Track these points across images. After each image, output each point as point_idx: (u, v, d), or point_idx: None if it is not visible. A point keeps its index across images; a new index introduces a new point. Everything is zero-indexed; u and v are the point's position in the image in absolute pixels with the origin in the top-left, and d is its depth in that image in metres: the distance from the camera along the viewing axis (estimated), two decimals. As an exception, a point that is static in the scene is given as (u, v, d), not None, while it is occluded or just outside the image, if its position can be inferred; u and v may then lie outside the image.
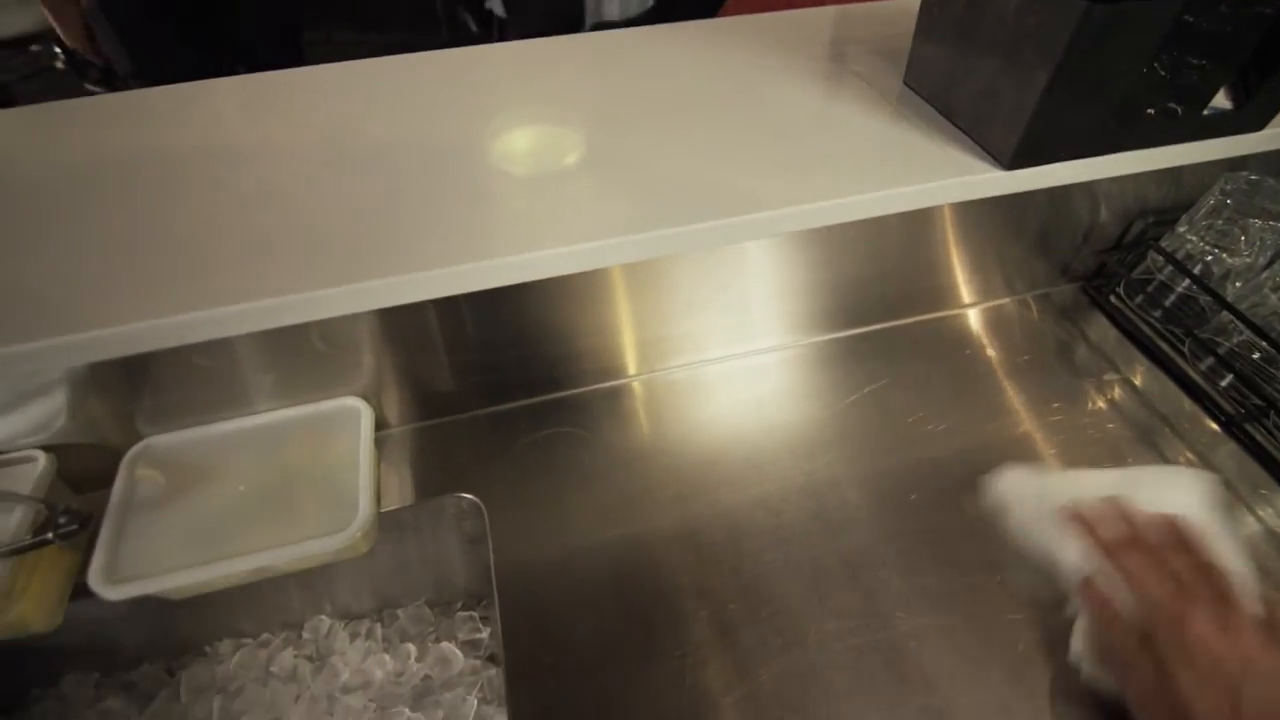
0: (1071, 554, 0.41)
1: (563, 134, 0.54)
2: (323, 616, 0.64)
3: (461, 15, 2.65)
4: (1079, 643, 0.42)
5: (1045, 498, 0.45)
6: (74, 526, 0.43)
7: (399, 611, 0.66)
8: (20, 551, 0.42)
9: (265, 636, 0.64)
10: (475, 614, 0.67)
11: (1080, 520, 0.42)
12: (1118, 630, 0.38)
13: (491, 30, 1.67)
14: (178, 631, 0.64)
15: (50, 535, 0.43)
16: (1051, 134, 0.47)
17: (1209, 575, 0.38)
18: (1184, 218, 0.65)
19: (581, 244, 0.44)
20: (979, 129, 0.50)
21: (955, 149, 0.51)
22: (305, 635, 0.64)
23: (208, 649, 0.63)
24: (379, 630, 0.65)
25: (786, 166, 0.50)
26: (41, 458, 0.48)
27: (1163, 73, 0.48)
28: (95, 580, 0.44)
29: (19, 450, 0.49)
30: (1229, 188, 0.62)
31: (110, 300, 0.41)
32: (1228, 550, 0.41)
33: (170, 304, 0.40)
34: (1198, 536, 0.40)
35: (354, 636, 0.64)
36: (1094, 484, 0.45)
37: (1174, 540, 0.40)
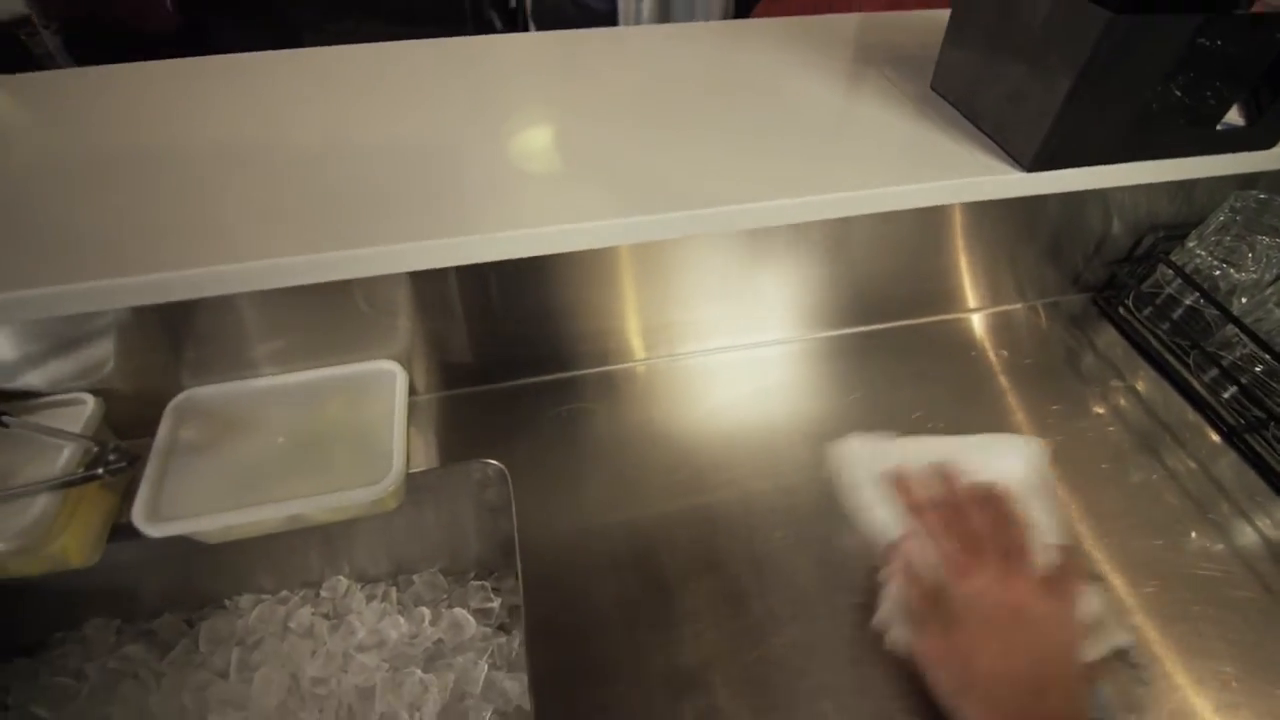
0: (886, 515, 0.44)
1: (590, 123, 0.56)
2: (340, 577, 0.66)
3: (487, 13, 2.70)
4: (885, 606, 0.44)
5: (876, 462, 0.47)
6: (123, 464, 0.45)
7: (414, 577, 0.68)
8: (70, 484, 0.44)
9: (284, 593, 0.66)
10: (487, 584, 0.69)
11: (899, 482, 0.45)
12: (915, 589, 0.40)
13: (517, 29, 1.71)
14: (198, 584, 0.65)
15: (101, 471, 0.45)
16: (1072, 140, 0.49)
17: (1005, 531, 0.40)
18: (1194, 233, 0.67)
19: (599, 221, 0.47)
20: (1002, 132, 0.52)
21: (979, 150, 0.53)
22: (323, 594, 0.65)
23: (227, 602, 0.65)
24: (394, 593, 0.67)
25: (815, 159, 0.52)
26: (90, 400, 0.50)
27: (1178, 90, 0.51)
28: (139, 517, 0.45)
29: (69, 392, 0.51)
30: (1239, 205, 0.64)
31: (170, 247, 0.43)
32: (1041, 509, 0.43)
33: (223, 253, 0.43)
34: (1008, 497, 0.43)
35: (370, 598, 0.66)
36: (929, 450, 0.47)
37: (983, 499, 0.43)
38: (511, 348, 0.62)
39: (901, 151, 0.53)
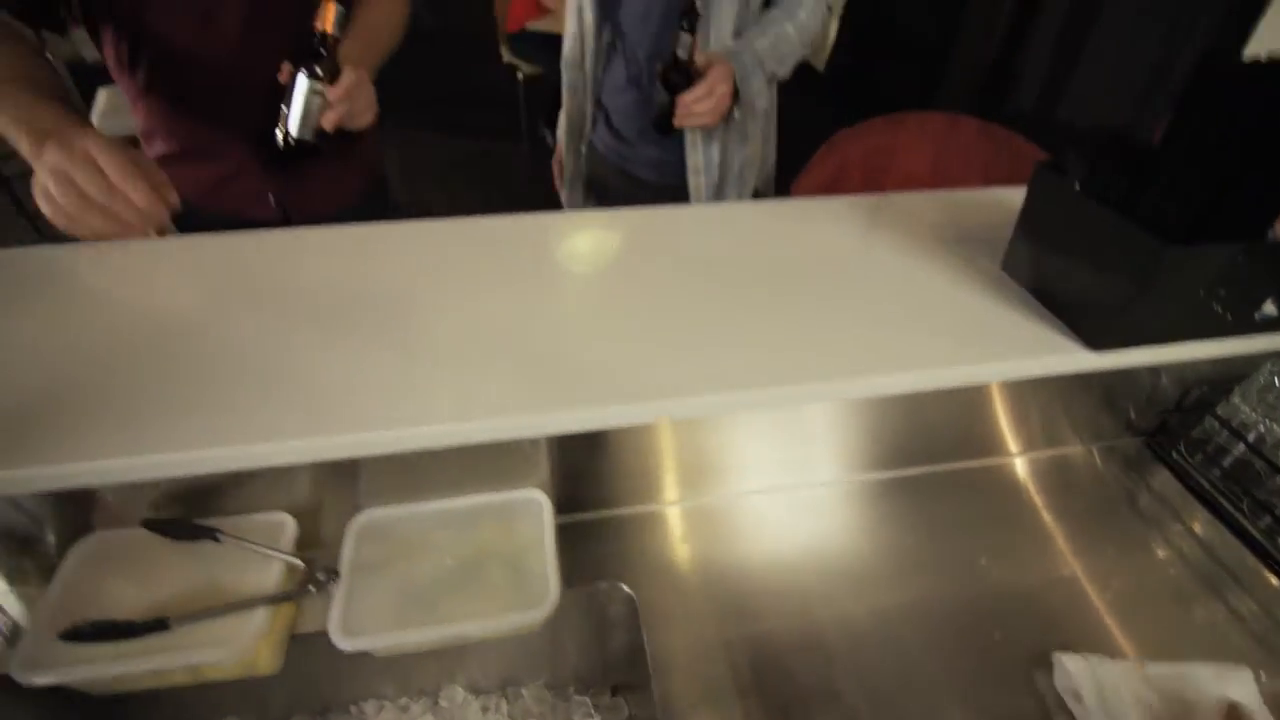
0: None
1: (677, 304, 0.66)
2: (457, 687, 0.70)
3: (541, 130, 2.97)
4: None
5: (1112, 690, 0.53)
6: (332, 581, 0.52)
7: (522, 690, 0.72)
8: (288, 599, 0.51)
9: (404, 700, 0.70)
10: (587, 699, 0.73)
11: None
12: None
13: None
14: (325, 687, 0.70)
15: (311, 587, 0.52)
16: (1132, 327, 0.58)
17: None
18: (1237, 390, 0.75)
19: (702, 397, 0.56)
20: (1070, 316, 0.62)
21: (1047, 330, 0.62)
22: (442, 703, 0.69)
23: (353, 708, 0.69)
24: (504, 705, 0.70)
25: (894, 335, 0.61)
26: (290, 520, 0.57)
27: (1222, 289, 0.60)
28: (335, 632, 0.52)
29: (267, 510, 0.59)
30: (1276, 368, 0.73)
31: (328, 411, 0.52)
32: None
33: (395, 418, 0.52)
34: None
35: (484, 709, 0.70)
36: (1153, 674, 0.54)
37: None
38: (620, 481, 0.70)
39: (979, 329, 0.63)
